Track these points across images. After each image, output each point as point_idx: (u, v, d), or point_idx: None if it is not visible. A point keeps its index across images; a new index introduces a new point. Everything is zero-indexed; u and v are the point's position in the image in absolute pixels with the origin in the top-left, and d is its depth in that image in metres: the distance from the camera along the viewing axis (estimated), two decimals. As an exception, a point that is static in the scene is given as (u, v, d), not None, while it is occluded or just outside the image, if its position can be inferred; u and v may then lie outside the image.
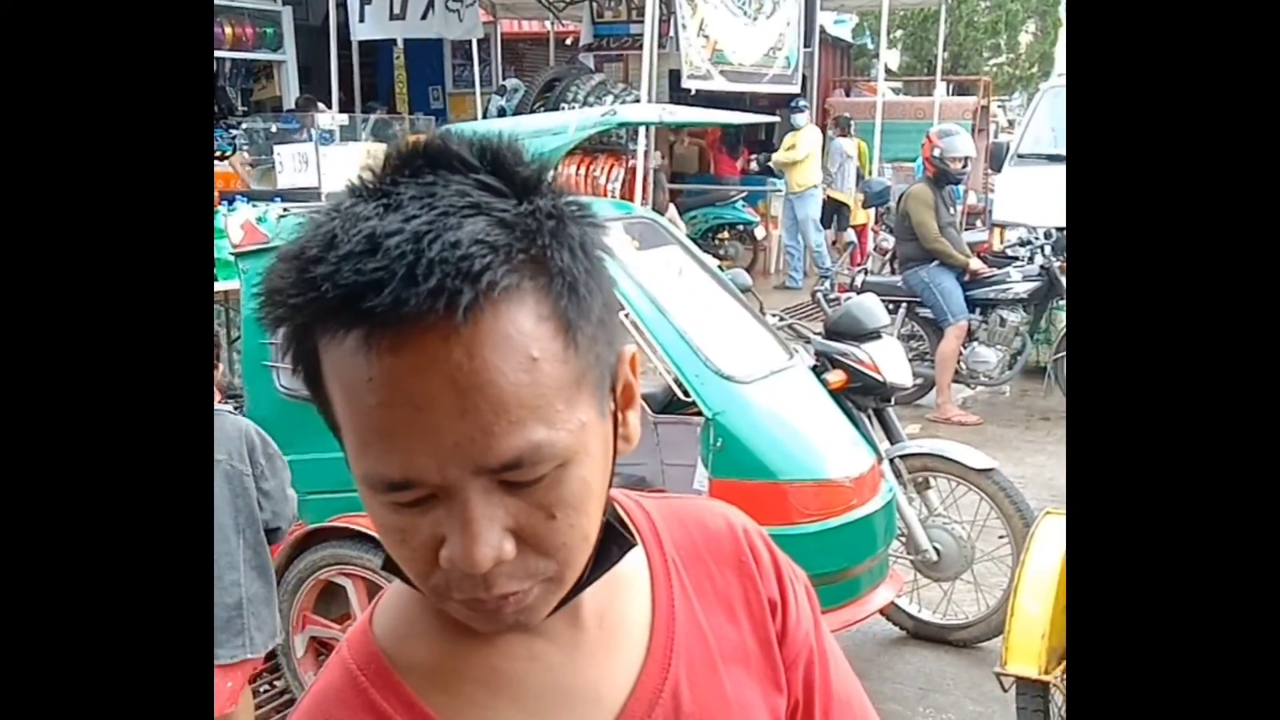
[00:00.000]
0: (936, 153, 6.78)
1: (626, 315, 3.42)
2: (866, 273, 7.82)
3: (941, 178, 6.87)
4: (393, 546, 0.71)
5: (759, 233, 12.08)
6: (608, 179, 10.13)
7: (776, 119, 10.94)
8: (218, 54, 11.80)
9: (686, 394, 3.27)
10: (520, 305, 0.65)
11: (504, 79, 12.59)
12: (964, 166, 6.98)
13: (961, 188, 10.26)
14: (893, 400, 4.10)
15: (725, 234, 11.96)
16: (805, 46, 11.26)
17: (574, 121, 3.80)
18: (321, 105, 9.90)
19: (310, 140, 7.14)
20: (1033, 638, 2.71)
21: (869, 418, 3.98)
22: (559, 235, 0.67)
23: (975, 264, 6.83)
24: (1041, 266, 6.93)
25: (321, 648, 3.44)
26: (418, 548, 0.69)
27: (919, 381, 6.94)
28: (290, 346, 0.69)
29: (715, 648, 0.86)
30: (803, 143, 11.19)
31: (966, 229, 8.89)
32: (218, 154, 10.14)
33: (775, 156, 11.69)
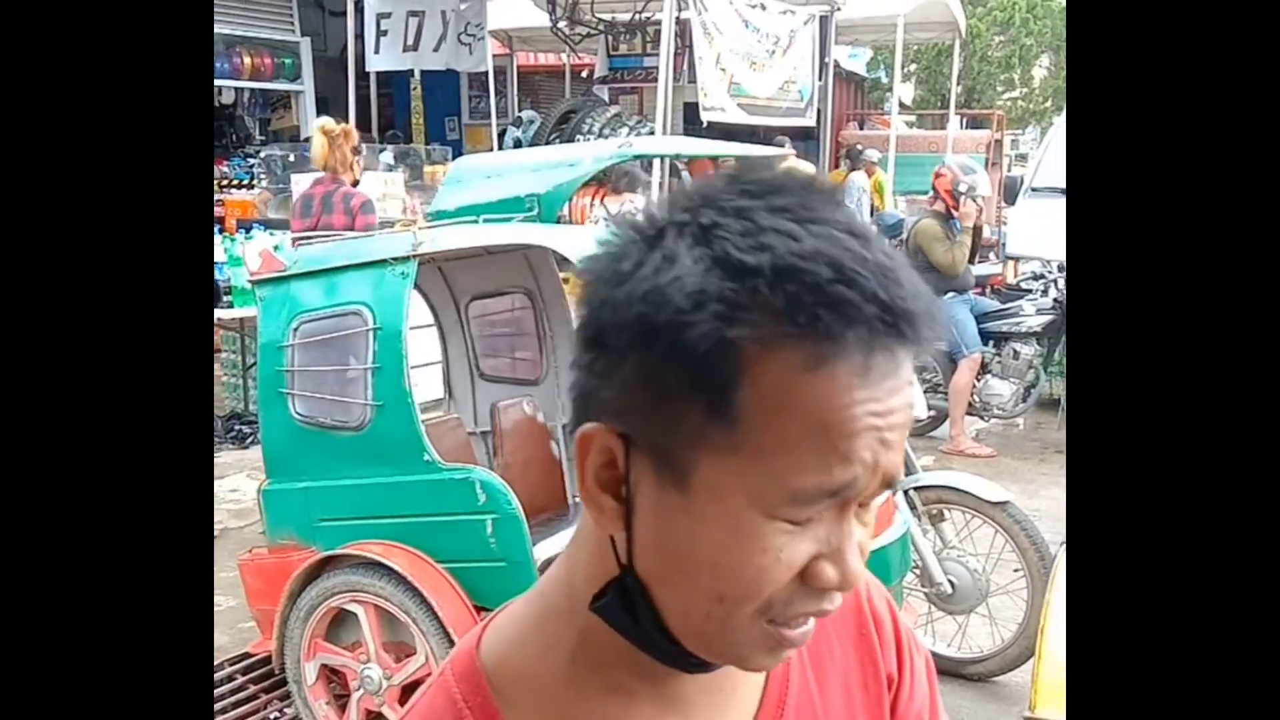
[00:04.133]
0: (962, 188, 6.74)
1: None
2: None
3: (953, 209, 6.85)
4: (754, 567, 0.67)
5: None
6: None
7: (791, 151, 10.94)
8: (237, 84, 11.91)
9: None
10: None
11: (520, 110, 12.68)
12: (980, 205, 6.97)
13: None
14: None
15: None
16: (819, 80, 11.30)
17: (589, 154, 3.82)
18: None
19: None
20: (1062, 680, 2.68)
21: (883, 449, 3.96)
22: None
23: (969, 217, 6.72)
24: (1055, 299, 6.91)
25: (332, 674, 3.43)
26: (789, 565, 0.67)
27: (932, 414, 6.92)
28: (715, 364, 0.65)
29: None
30: None
31: (981, 261, 8.88)
32: (237, 182, 10.23)
33: None
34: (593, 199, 9.31)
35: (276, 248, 3.56)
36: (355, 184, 6.02)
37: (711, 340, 0.64)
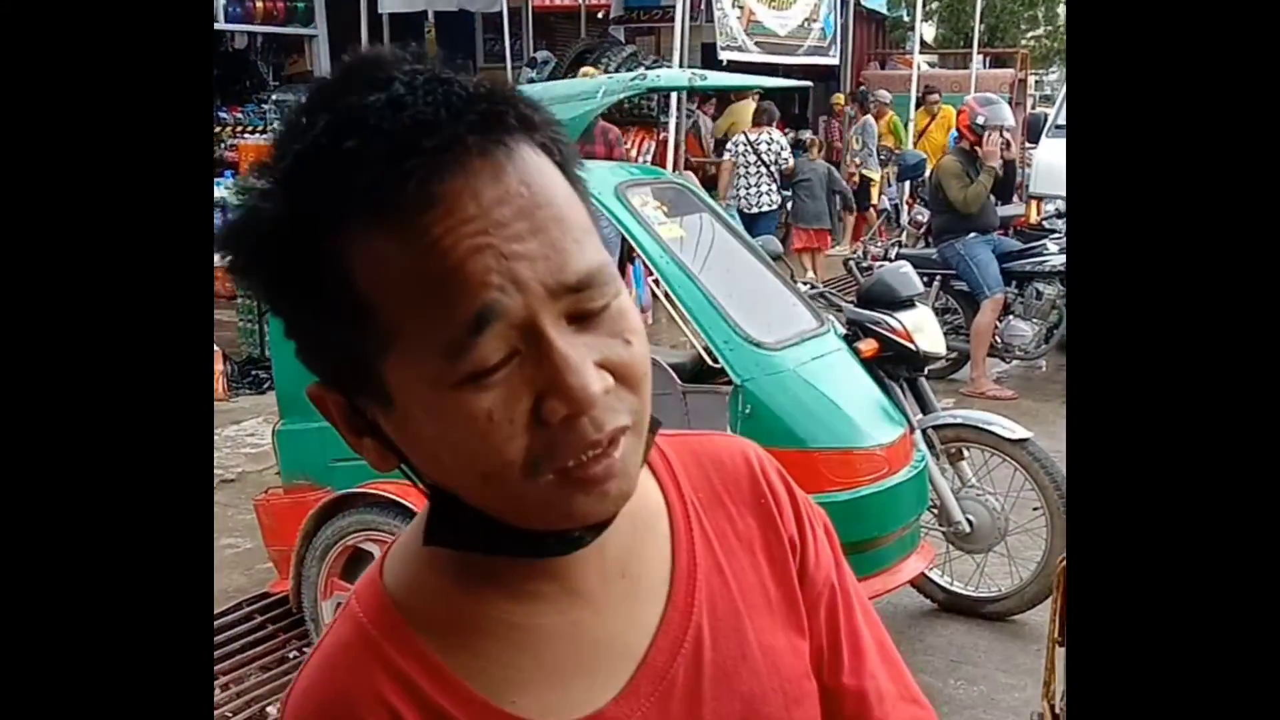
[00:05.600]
0: (980, 120, 6.66)
1: (655, 281, 3.39)
2: (900, 245, 7.73)
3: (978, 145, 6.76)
4: (478, 439, 0.66)
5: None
6: (639, 152, 10.08)
7: (809, 84, 10.77)
8: (249, 28, 11.82)
9: (715, 360, 3.24)
10: (542, 153, 0.68)
11: (535, 52, 12.55)
12: (1003, 135, 6.86)
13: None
14: (926, 370, 4.04)
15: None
16: (839, 19, 11.12)
17: (603, 86, 3.75)
18: None
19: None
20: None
21: (902, 387, 3.92)
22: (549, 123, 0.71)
23: (992, 156, 6.56)
24: (1079, 238, 6.81)
25: (349, 614, 3.45)
26: (513, 419, 0.66)
27: (953, 355, 6.86)
28: (306, 264, 0.65)
29: (737, 593, 0.84)
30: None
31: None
32: (250, 128, 10.19)
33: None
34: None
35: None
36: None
37: (297, 257, 0.65)
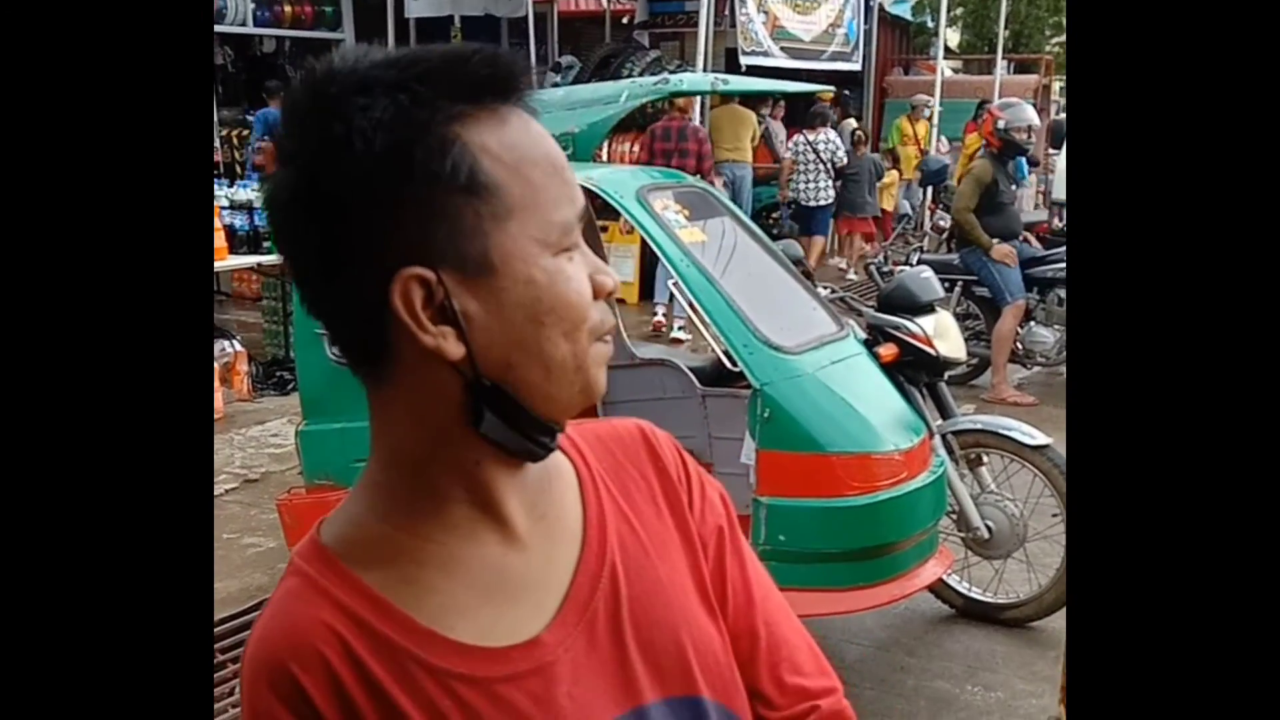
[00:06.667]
0: (1001, 124, 6.66)
1: (675, 284, 3.40)
2: (922, 250, 7.71)
3: (1006, 150, 6.76)
4: (575, 294, 0.81)
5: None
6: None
7: (832, 89, 10.87)
8: (277, 32, 11.92)
9: (735, 364, 3.24)
10: None
11: (560, 57, 12.58)
12: (1029, 137, 6.84)
13: (1026, 165, 10.12)
14: (945, 375, 4.04)
15: (778, 213, 11.89)
16: (864, 24, 11.12)
17: (626, 90, 3.77)
18: None
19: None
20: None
21: (921, 392, 3.92)
22: None
23: (1000, 250, 6.61)
24: (1102, 245, 6.78)
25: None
26: (586, 287, 0.82)
27: (974, 361, 6.84)
28: (439, 149, 0.77)
29: (645, 538, 0.94)
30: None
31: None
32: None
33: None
34: (631, 144, 9.33)
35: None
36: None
37: (437, 133, 0.76)
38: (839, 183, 10.58)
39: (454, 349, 0.79)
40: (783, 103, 12.34)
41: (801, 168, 10.48)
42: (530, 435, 0.84)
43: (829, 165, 10.42)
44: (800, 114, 12.82)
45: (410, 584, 0.83)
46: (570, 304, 0.81)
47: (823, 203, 10.52)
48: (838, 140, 10.66)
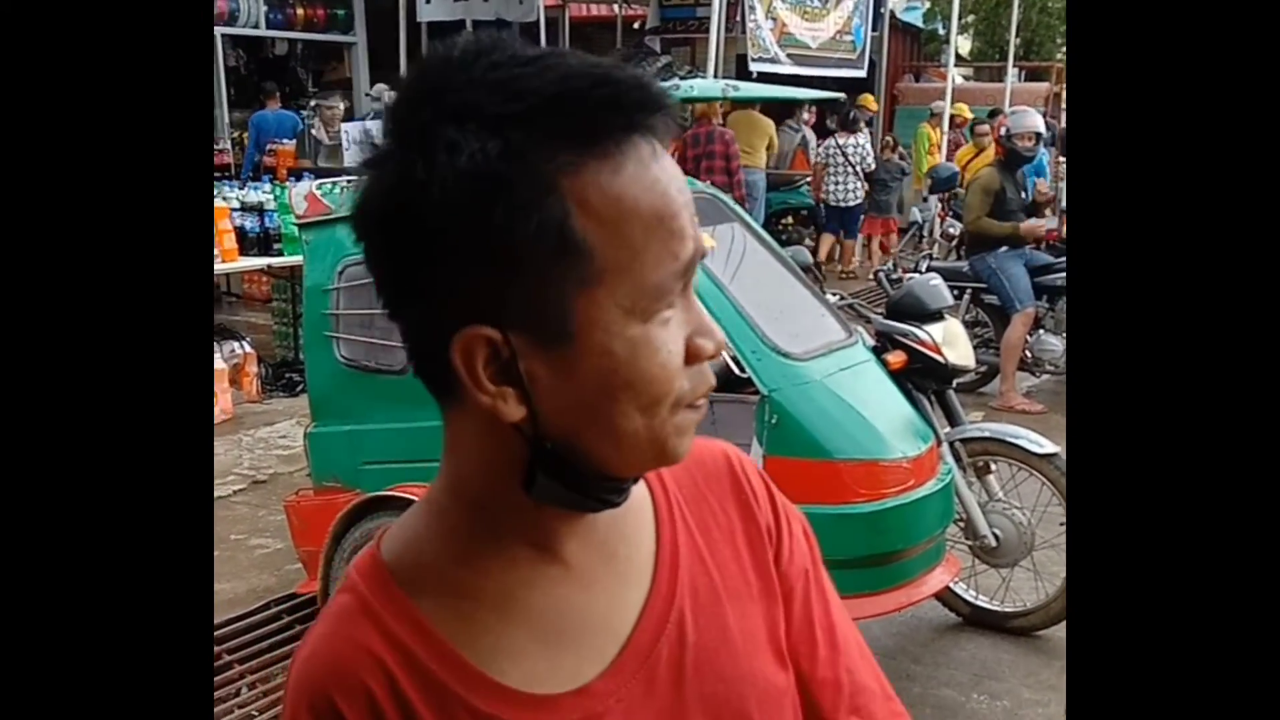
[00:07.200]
0: (1004, 131, 6.69)
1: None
2: (931, 257, 7.70)
3: (1011, 159, 6.76)
4: (660, 367, 0.73)
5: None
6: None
7: (842, 96, 11.01)
8: (290, 35, 11.96)
9: (742, 369, 3.25)
10: None
11: (571, 62, 12.58)
12: (1034, 144, 6.84)
13: (1034, 175, 10.14)
14: (954, 383, 4.03)
15: (790, 219, 11.90)
16: (873, 31, 11.15)
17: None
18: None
19: (378, 118, 7.20)
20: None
21: (930, 400, 3.92)
22: None
23: (1028, 226, 6.67)
24: (1112, 254, 6.77)
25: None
26: (678, 353, 0.74)
27: (983, 369, 6.83)
28: (526, 199, 0.69)
29: (719, 581, 0.88)
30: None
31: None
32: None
33: None
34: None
35: (320, 188, 3.57)
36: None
37: (527, 188, 0.68)
38: (866, 185, 11.03)
39: (513, 411, 0.74)
40: (813, 110, 12.56)
41: (831, 170, 10.91)
42: (594, 494, 0.78)
43: (857, 169, 10.84)
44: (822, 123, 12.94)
45: (464, 620, 0.80)
46: (651, 379, 0.73)
47: (852, 203, 10.99)
48: (867, 145, 11.06)
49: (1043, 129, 7.02)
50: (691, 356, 0.75)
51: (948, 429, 3.93)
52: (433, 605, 0.80)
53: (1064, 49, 20.28)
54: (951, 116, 12.61)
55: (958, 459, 3.82)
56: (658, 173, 0.72)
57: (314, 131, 9.66)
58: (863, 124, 11.33)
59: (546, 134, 0.69)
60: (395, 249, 0.73)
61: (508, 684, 0.79)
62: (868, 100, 11.55)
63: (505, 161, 0.68)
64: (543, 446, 0.75)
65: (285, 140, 9.45)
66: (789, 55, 9.96)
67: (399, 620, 0.79)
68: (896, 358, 3.76)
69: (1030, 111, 6.99)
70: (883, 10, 11.23)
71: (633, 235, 0.71)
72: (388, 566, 0.82)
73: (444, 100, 0.70)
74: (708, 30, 9.09)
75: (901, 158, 11.96)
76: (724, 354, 3.28)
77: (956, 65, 15.11)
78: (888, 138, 11.97)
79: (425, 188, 0.69)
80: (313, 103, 10.63)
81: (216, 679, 3.52)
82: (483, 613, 0.80)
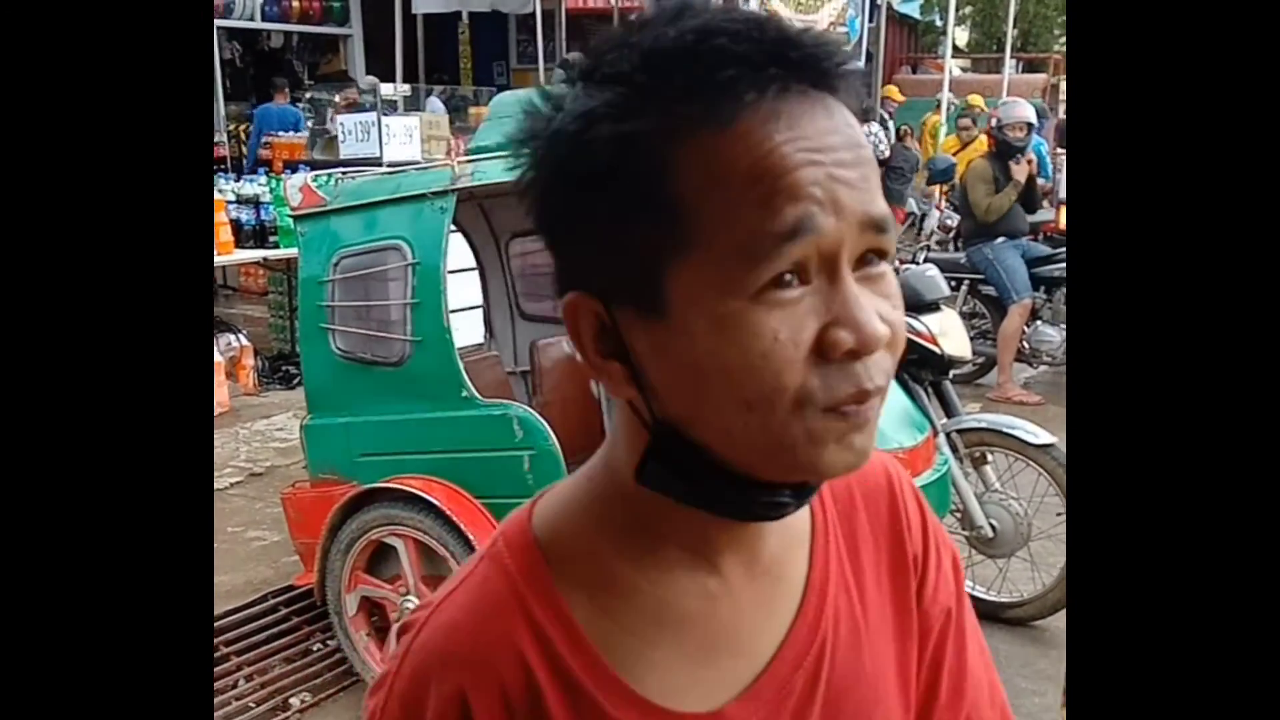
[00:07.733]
0: (994, 123, 6.70)
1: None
2: (928, 248, 7.71)
3: (1003, 150, 6.76)
4: (760, 357, 0.63)
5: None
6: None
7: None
8: (285, 27, 11.94)
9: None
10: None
11: (567, 53, 12.58)
12: (1025, 134, 6.83)
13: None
14: (950, 373, 4.03)
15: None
16: (869, 22, 11.17)
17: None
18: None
19: (373, 110, 7.20)
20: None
21: (926, 391, 3.92)
22: None
23: (1015, 169, 6.66)
24: (1109, 245, 6.78)
25: (373, 607, 3.48)
26: (797, 343, 0.63)
27: (980, 360, 6.84)
28: (634, 170, 0.64)
29: (860, 614, 0.82)
30: None
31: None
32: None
33: None
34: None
35: (315, 180, 3.56)
36: None
37: (615, 147, 0.63)
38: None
39: (624, 389, 0.69)
40: None
41: None
42: (712, 489, 0.70)
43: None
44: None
45: (611, 618, 0.74)
46: (748, 369, 0.63)
47: None
48: (881, 134, 11.23)
49: (1034, 119, 7.02)
50: (825, 349, 0.64)
51: (944, 420, 3.93)
52: (583, 597, 0.74)
53: (1061, 40, 20.31)
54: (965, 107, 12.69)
55: (954, 450, 3.83)
56: (777, 135, 0.63)
57: (308, 124, 9.65)
58: (884, 114, 11.54)
59: (634, 96, 0.64)
60: (530, 201, 0.70)
61: (644, 694, 0.74)
62: (891, 91, 11.55)
63: (621, 120, 0.64)
64: (661, 428, 0.69)
65: (283, 134, 9.44)
66: (784, 46, 9.99)
67: (546, 610, 0.74)
68: (893, 348, 3.75)
69: (1020, 102, 6.99)
70: (880, 2, 11.22)
71: (728, 198, 0.63)
72: (539, 544, 0.76)
73: (592, 58, 0.67)
74: (704, 22, 9.10)
75: (910, 148, 12.07)
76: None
77: (953, 57, 15.10)
78: (904, 126, 12.05)
79: (550, 141, 0.67)
80: (309, 95, 10.61)
81: (214, 670, 3.52)
82: (632, 614, 0.75)
